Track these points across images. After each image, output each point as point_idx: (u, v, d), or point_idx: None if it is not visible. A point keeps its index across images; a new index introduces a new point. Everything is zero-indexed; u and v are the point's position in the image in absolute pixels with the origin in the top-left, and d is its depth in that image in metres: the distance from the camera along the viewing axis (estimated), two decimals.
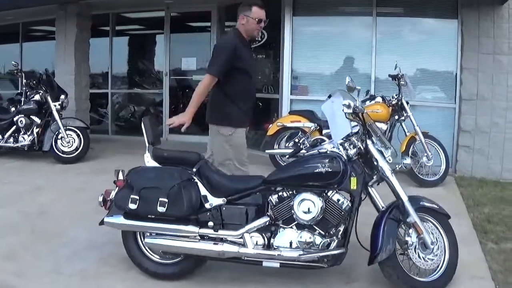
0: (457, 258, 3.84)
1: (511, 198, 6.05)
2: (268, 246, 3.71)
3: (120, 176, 3.95)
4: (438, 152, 6.69)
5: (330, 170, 3.59)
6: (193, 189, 3.72)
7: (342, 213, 3.66)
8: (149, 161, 3.96)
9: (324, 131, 6.91)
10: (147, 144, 3.98)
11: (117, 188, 3.90)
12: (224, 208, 3.78)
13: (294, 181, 3.73)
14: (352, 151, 3.77)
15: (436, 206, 3.90)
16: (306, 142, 3.68)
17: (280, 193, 3.76)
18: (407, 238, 3.70)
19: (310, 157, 3.76)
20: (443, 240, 3.86)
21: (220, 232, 3.72)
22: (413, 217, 3.70)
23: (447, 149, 6.81)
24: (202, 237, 3.77)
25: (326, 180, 3.64)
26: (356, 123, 3.78)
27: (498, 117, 7.03)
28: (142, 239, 3.95)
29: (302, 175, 3.69)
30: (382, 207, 3.83)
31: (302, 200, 3.67)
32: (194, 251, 3.73)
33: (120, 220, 3.83)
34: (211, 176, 3.82)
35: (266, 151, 6.46)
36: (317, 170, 3.62)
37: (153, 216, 3.73)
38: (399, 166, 3.84)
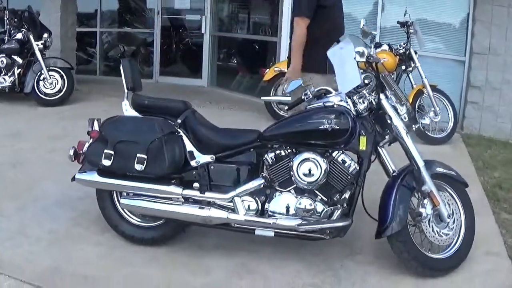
0: (473, 233, 3.34)
1: None
2: (262, 212, 3.17)
3: (95, 126, 3.31)
4: (446, 107, 6.10)
5: (337, 127, 3.02)
6: (176, 144, 3.14)
7: (349, 177, 3.10)
8: (128, 110, 3.34)
9: None
10: (125, 90, 3.34)
11: (91, 140, 3.25)
12: (212, 167, 3.21)
13: (295, 138, 3.16)
14: (362, 106, 3.18)
15: (453, 173, 3.34)
16: (308, 93, 3.00)
17: (278, 151, 3.18)
18: (421, 210, 3.14)
19: (314, 111, 3.16)
20: (460, 212, 3.32)
21: (207, 194, 3.15)
22: (430, 185, 3.13)
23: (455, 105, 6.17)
24: (186, 200, 3.21)
25: (331, 139, 3.07)
26: (367, 74, 3.16)
27: (511, 74, 6.33)
28: (119, 199, 3.34)
29: (304, 132, 3.12)
30: (393, 172, 3.23)
31: (303, 160, 3.10)
32: (176, 215, 3.18)
33: (94, 177, 3.26)
34: (199, 129, 3.22)
35: (262, 98, 5.87)
36: (322, 127, 3.04)
37: (130, 174, 3.16)
38: (416, 126, 3.21)
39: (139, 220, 3.40)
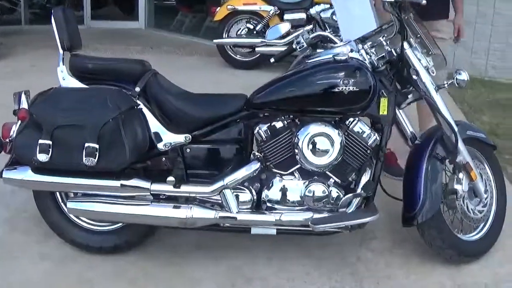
0: (505, 205, 2.67)
1: (507, 103, 4.82)
2: (258, 204, 2.35)
3: (23, 103, 2.27)
4: None
5: (355, 88, 2.19)
6: (138, 123, 2.24)
7: (368, 151, 2.31)
8: (66, 78, 2.32)
9: (286, 16, 5.62)
10: (60, 51, 2.28)
11: (19, 123, 2.21)
12: (188, 150, 2.33)
13: (297, 104, 2.31)
14: (377, 58, 2.34)
15: (482, 135, 2.63)
16: (301, 40, 2.04)
17: (273, 123, 2.33)
18: (456, 186, 2.35)
19: (321, 68, 2.29)
20: (492, 182, 2.64)
21: (185, 188, 2.26)
22: (465, 155, 2.37)
23: None
24: (156, 197, 2.28)
25: (348, 104, 2.26)
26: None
27: (487, 7, 5.59)
28: (64, 200, 2.44)
29: (311, 97, 2.26)
30: (416, 138, 2.41)
31: (312, 135, 2.27)
32: (144, 219, 2.32)
33: (27, 175, 2.30)
34: (166, 98, 2.31)
35: (215, 40, 4.88)
36: (336, 89, 2.20)
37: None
38: (449, 82, 2.38)
39: (94, 223, 2.42)
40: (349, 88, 2.17)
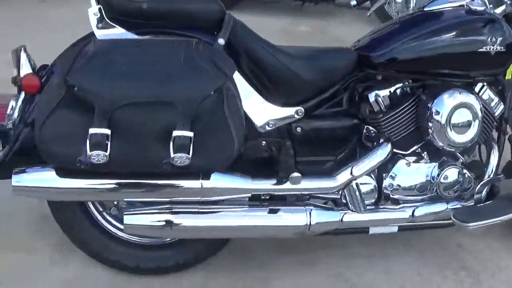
0: None
1: None
2: (379, 196, 1.68)
3: (25, 66, 1.34)
4: None
5: (503, 49, 1.64)
6: (237, 95, 1.39)
7: (494, 123, 1.79)
8: (104, 26, 1.34)
9: None
10: None
11: (23, 95, 1.40)
12: (298, 129, 1.58)
13: (430, 66, 1.67)
14: (499, 10, 1.76)
15: None
16: None
17: (394, 89, 1.69)
18: None
19: (460, 20, 1.68)
20: None
21: (294, 184, 1.51)
22: None
23: None
24: (256, 200, 1.55)
25: (489, 67, 1.70)
26: None
27: None
28: (104, 210, 1.62)
29: (451, 57, 1.64)
30: None
31: (454, 105, 1.65)
32: (243, 232, 1.59)
33: (52, 181, 1.42)
34: (267, 56, 1.52)
35: None
36: (484, 49, 1.62)
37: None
38: None
39: (143, 236, 1.58)
40: (496, 48, 1.62)
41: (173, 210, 1.47)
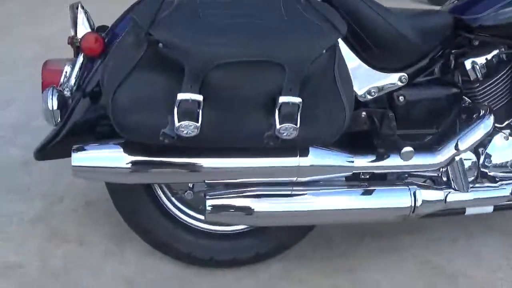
0: None
1: None
2: (477, 173, 1.47)
3: (84, 26, 1.08)
4: None
5: None
6: (343, 62, 1.17)
7: None
8: None
9: None
10: None
11: (81, 59, 1.13)
12: (401, 98, 1.34)
13: None
14: None
15: None
16: None
17: (491, 56, 1.46)
18: None
19: None
20: None
21: (406, 160, 1.28)
22: None
23: None
24: (354, 179, 1.28)
25: None
26: None
27: None
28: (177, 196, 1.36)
29: None
30: None
31: None
32: (341, 216, 1.36)
33: (120, 158, 1.17)
34: (372, 14, 1.27)
35: None
36: None
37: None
38: None
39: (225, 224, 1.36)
40: None
41: (265, 192, 1.22)
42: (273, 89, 1.04)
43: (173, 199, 1.40)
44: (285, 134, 1.06)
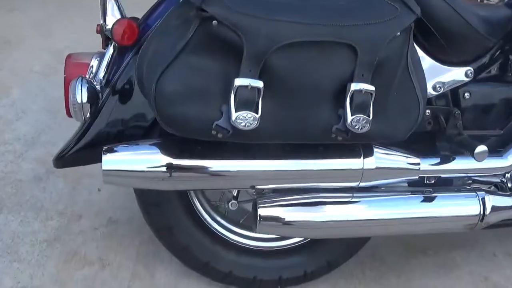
0: None
1: None
2: None
3: (114, 16, 0.95)
4: None
5: None
6: (414, 49, 1.04)
7: None
8: None
9: None
10: None
11: (111, 50, 1.01)
12: (467, 95, 1.20)
13: None
14: None
15: None
16: None
17: None
18: None
19: None
20: None
21: (480, 162, 1.12)
22: None
23: None
24: (417, 185, 1.12)
25: None
26: None
27: None
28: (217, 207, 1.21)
29: None
30: None
31: None
32: (414, 226, 1.17)
33: (157, 161, 0.99)
34: (439, 4, 1.10)
35: None
36: None
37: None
38: None
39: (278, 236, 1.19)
40: None
41: (323, 200, 1.04)
42: (343, 75, 0.89)
43: (210, 211, 1.21)
44: (357, 126, 0.90)
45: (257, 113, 0.87)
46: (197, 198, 1.21)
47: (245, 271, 1.23)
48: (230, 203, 1.17)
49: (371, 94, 0.90)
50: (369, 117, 0.91)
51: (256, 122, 0.87)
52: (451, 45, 1.13)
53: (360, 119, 0.90)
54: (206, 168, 1.02)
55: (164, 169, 1.00)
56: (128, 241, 1.38)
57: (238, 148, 1.00)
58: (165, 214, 1.18)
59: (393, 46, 0.91)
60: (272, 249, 1.25)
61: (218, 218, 1.24)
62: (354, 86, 0.89)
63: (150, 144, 1.02)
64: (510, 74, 1.29)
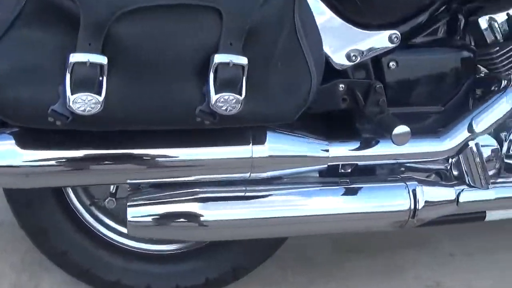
0: None
1: None
2: (501, 164, 1.08)
3: None
4: None
5: None
6: (307, 10, 0.83)
7: None
8: None
9: None
10: None
11: None
12: (393, 64, 0.98)
13: None
14: None
15: None
16: None
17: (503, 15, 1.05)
18: None
19: None
20: None
21: (399, 145, 0.91)
22: None
23: None
24: (331, 175, 0.90)
25: None
26: None
27: None
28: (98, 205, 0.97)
29: None
30: None
31: None
32: (329, 225, 0.95)
33: (12, 154, 0.80)
34: None
35: None
36: None
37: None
38: None
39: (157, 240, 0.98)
40: None
41: (207, 195, 0.85)
42: (207, 45, 0.70)
43: (93, 208, 1.03)
44: (224, 107, 0.71)
45: (100, 95, 0.69)
46: (75, 195, 1.03)
47: (136, 279, 1.05)
48: (106, 200, 0.98)
49: (243, 67, 0.71)
50: (240, 95, 0.72)
51: (99, 105, 0.69)
52: (371, 6, 0.93)
53: (228, 98, 0.71)
54: (71, 160, 0.83)
55: (15, 163, 0.82)
56: (11, 248, 1.20)
57: (107, 136, 0.81)
58: (38, 215, 1.00)
59: (271, 7, 0.72)
60: (168, 253, 1.07)
61: (104, 218, 1.06)
62: (218, 58, 0.70)
63: (6, 133, 0.84)
64: (457, 38, 1.09)
